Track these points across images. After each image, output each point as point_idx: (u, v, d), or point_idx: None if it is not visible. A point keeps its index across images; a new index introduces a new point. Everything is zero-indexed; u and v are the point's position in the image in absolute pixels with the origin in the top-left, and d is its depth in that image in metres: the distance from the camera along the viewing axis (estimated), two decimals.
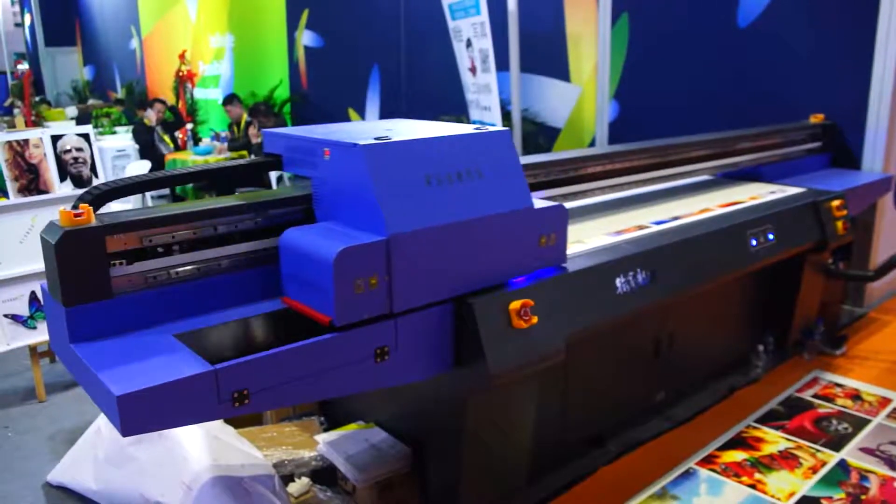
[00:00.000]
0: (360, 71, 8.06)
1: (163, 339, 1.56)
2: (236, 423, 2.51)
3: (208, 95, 10.82)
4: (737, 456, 2.35)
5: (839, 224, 2.98)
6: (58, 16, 17.00)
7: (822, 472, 2.25)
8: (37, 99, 13.32)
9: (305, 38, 9.01)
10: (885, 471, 2.24)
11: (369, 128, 1.93)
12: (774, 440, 2.44)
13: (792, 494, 2.13)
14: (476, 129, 1.89)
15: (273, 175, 7.43)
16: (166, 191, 8.37)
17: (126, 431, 1.34)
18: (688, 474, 2.26)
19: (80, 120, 10.39)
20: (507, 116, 5.50)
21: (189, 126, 9.34)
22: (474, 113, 5.58)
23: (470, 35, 5.26)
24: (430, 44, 6.74)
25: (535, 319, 1.80)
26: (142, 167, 7.26)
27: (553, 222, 1.93)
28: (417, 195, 1.66)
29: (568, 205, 2.06)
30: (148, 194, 7.54)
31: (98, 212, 1.61)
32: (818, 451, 2.37)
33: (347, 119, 8.35)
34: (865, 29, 3.45)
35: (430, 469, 2.13)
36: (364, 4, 7.89)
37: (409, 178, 1.67)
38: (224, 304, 1.73)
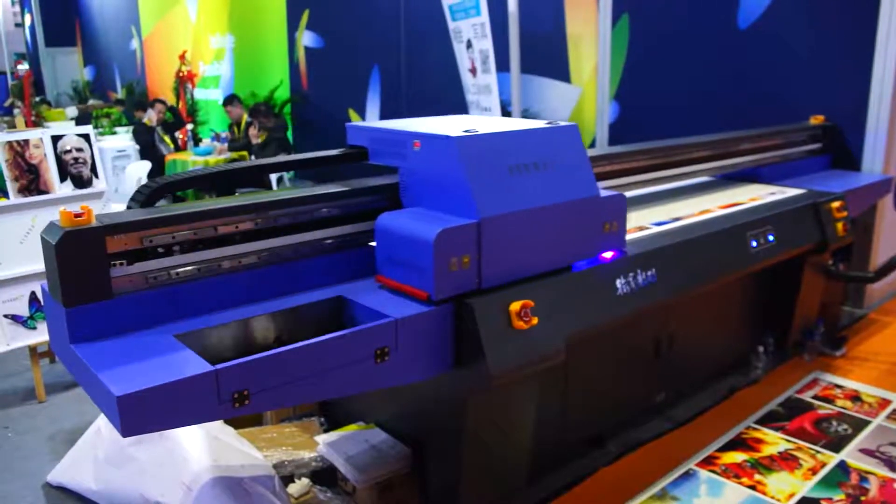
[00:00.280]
0: (360, 72, 8.06)
1: (163, 339, 1.56)
2: (236, 423, 2.51)
3: (208, 96, 10.82)
4: (737, 457, 2.35)
5: (839, 225, 2.98)
6: (58, 16, 16.99)
7: (822, 473, 2.25)
8: (37, 99, 13.31)
9: (306, 38, 9.01)
10: (884, 472, 2.24)
11: (447, 123, 2.07)
12: (774, 441, 2.44)
13: (792, 495, 2.13)
14: (548, 123, 2.06)
15: (273, 176, 7.43)
16: None
17: (126, 432, 1.34)
18: (688, 475, 2.26)
19: (80, 120, 10.38)
20: (507, 117, 5.49)
21: (189, 127, 9.34)
22: (474, 114, 5.58)
23: (470, 36, 5.25)
24: (430, 44, 6.74)
25: (535, 320, 1.80)
26: (142, 168, 7.26)
27: (615, 210, 2.09)
28: (502, 183, 1.83)
29: None
30: None
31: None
32: (818, 452, 2.37)
33: (348, 120, 8.35)
34: (866, 30, 3.45)
35: (430, 469, 2.13)
36: (364, 5, 7.89)
37: (495, 167, 1.83)
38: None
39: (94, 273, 1.55)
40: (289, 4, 9.27)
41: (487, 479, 2.02)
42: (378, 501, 2.14)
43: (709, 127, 3.55)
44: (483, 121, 2.12)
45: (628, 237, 2.37)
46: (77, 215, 1.52)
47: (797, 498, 2.13)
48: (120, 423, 1.31)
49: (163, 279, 1.67)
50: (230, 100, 8.66)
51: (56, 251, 1.49)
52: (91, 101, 14.21)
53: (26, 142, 3.57)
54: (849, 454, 2.35)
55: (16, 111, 11.70)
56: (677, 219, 2.66)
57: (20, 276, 3.57)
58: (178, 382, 1.36)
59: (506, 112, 5.54)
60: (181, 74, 10.59)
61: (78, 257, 1.52)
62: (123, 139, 9.13)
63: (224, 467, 2.20)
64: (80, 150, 3.74)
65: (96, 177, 3.81)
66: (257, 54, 9.98)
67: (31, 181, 3.59)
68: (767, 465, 2.30)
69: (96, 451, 2.51)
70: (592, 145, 5.16)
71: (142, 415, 1.34)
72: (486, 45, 5.12)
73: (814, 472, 2.26)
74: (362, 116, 8.18)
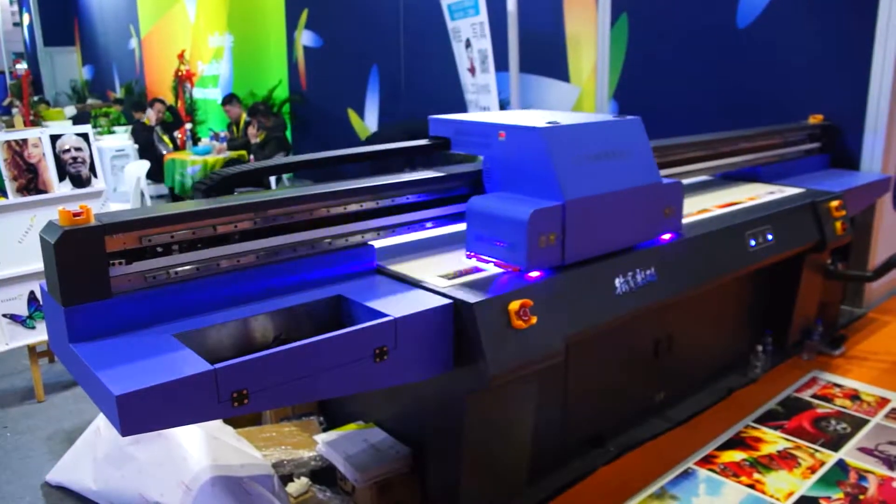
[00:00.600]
0: (359, 71, 8.05)
1: (162, 338, 1.56)
2: (235, 423, 2.51)
3: (207, 95, 10.79)
4: (735, 456, 2.35)
5: (838, 224, 2.98)
6: (57, 15, 16.96)
7: (821, 471, 2.25)
8: (35, 98, 13.29)
9: (305, 38, 8.99)
10: (883, 471, 2.24)
11: (526, 116, 2.28)
12: (773, 440, 2.44)
13: (790, 494, 2.14)
14: (616, 117, 2.28)
15: (272, 176, 7.41)
16: (164, 190, 8.35)
17: (125, 431, 1.33)
18: (687, 474, 2.26)
19: (79, 120, 10.36)
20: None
21: (188, 126, 9.32)
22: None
23: (469, 35, 5.25)
24: (429, 44, 6.73)
25: (534, 320, 1.80)
26: (140, 167, 7.25)
27: (674, 195, 2.30)
28: (581, 169, 2.03)
29: None
30: (147, 194, 7.53)
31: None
32: (817, 451, 2.37)
33: (348, 119, 8.34)
34: (864, 30, 3.46)
35: (429, 469, 2.13)
36: (363, 4, 7.88)
37: (575, 155, 2.03)
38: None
39: (93, 272, 1.55)
40: (287, 4, 9.26)
41: (487, 479, 2.02)
42: (377, 501, 2.14)
43: (707, 126, 3.55)
44: (559, 114, 2.30)
45: None
46: (76, 214, 1.52)
47: (796, 497, 2.13)
48: (119, 422, 1.31)
49: (162, 278, 1.66)
50: (229, 99, 8.65)
51: (55, 250, 1.49)
52: (90, 101, 14.20)
53: (25, 141, 3.56)
54: (847, 453, 2.35)
55: (14, 110, 11.69)
56: None
57: (19, 276, 3.56)
58: (177, 382, 1.36)
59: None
60: (180, 74, 10.57)
61: (77, 256, 1.52)
62: (122, 138, 9.11)
63: (223, 467, 2.20)
64: (78, 149, 3.74)
65: (95, 176, 3.80)
66: (256, 54, 9.96)
67: (30, 180, 3.58)
68: (766, 464, 2.30)
69: (95, 450, 2.51)
70: None
71: (141, 414, 1.33)
72: (485, 44, 5.12)
73: (812, 470, 2.26)
74: (361, 116, 8.17)
